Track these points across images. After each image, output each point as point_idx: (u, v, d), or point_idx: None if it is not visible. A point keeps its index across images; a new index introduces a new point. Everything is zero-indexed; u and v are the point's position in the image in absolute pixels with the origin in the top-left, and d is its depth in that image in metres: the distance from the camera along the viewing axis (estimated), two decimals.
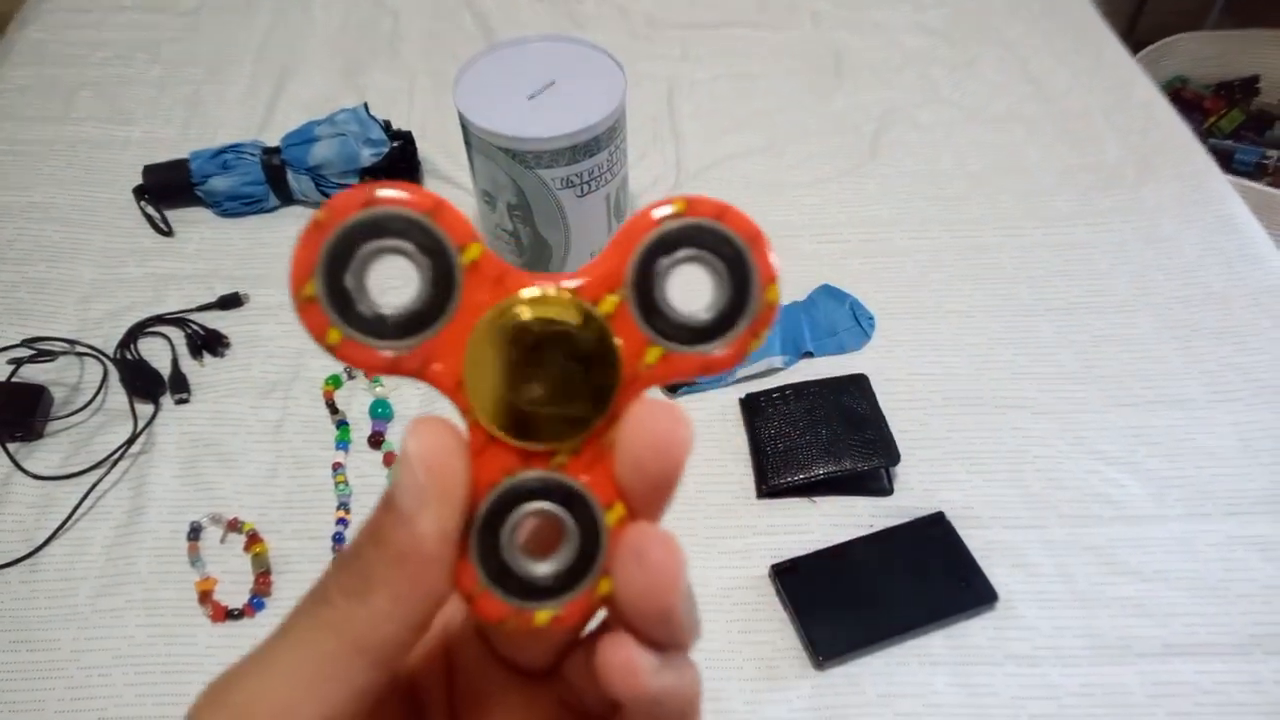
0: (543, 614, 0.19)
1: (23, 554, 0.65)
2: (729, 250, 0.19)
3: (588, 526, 0.19)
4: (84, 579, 0.64)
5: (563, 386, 0.19)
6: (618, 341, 0.19)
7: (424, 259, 0.18)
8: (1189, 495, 0.68)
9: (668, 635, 0.19)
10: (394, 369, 0.19)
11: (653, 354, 0.19)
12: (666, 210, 0.19)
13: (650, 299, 0.19)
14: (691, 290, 0.20)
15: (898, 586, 0.62)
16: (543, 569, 0.19)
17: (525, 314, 0.19)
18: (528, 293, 0.19)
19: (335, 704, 0.18)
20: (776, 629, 0.62)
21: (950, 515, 0.66)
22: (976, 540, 0.65)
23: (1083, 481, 0.69)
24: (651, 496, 0.19)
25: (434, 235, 0.18)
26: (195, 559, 0.64)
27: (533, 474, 0.19)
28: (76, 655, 0.60)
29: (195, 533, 0.65)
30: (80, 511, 0.67)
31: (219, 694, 0.18)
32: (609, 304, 0.19)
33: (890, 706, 0.58)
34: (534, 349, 0.19)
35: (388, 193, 0.18)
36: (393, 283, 0.23)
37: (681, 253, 0.19)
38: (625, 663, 0.18)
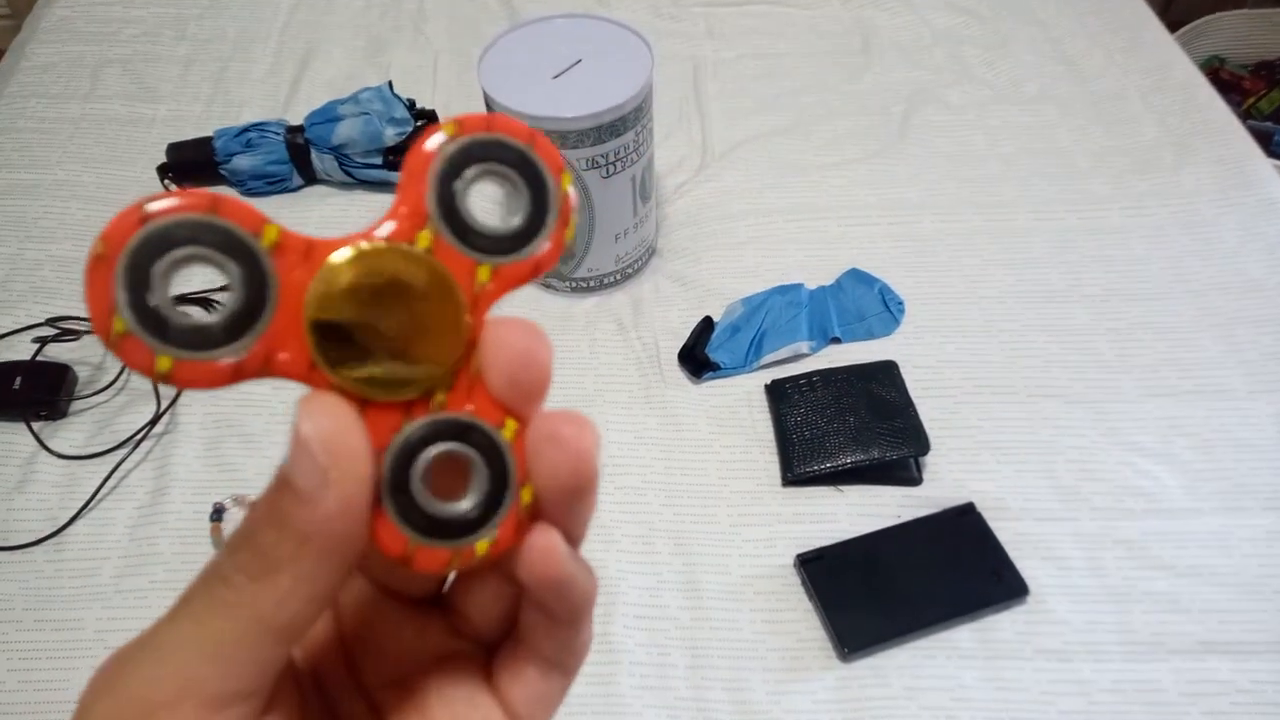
0: (481, 544, 0.19)
1: (47, 533, 0.65)
2: (512, 155, 0.19)
3: (489, 450, 0.19)
4: (107, 559, 0.64)
5: (417, 330, 0.19)
6: (448, 271, 0.19)
7: (222, 256, 0.18)
8: (1226, 488, 0.66)
9: (581, 520, 0.20)
10: (238, 375, 0.18)
11: (484, 273, 0.19)
12: (441, 138, 0.19)
13: (460, 223, 0.19)
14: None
15: (926, 578, 0.61)
16: (464, 505, 0.19)
17: (352, 276, 0.18)
18: (343, 254, 0.18)
19: (240, 680, 0.18)
20: (801, 619, 0.61)
21: (981, 506, 0.65)
22: (1007, 532, 0.63)
23: (1116, 473, 0.67)
24: (530, 404, 0.20)
25: (224, 229, 0.18)
26: (218, 540, 0.64)
27: (419, 422, 0.19)
28: (100, 635, 0.60)
29: (218, 514, 0.65)
30: (104, 491, 0.67)
31: (112, 680, 0.18)
32: (424, 240, 0.19)
33: (916, 700, 0.57)
34: (375, 306, 0.19)
35: (158, 204, 0.18)
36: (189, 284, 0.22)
37: (471, 170, 0.19)
38: (546, 546, 0.19)
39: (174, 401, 0.72)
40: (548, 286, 0.81)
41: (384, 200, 0.88)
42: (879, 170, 0.90)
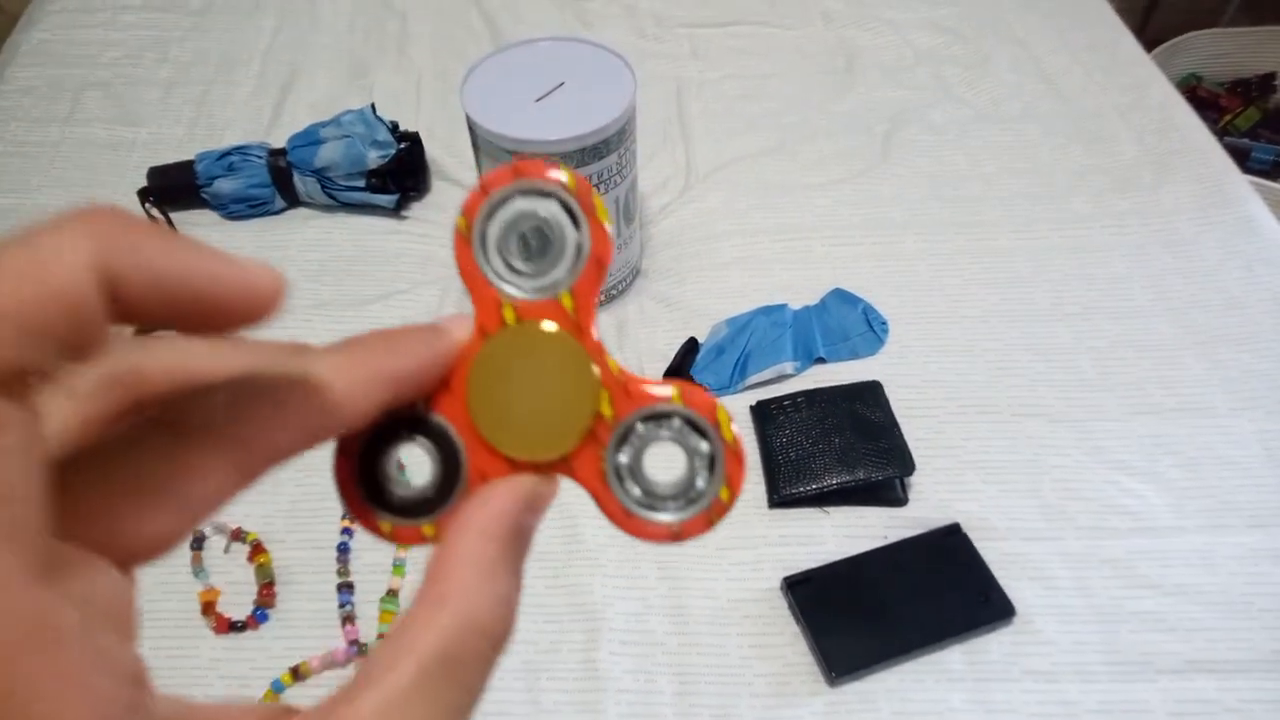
0: (428, 528, 0.20)
1: None
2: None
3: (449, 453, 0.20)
4: None
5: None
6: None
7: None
8: (1210, 506, 0.67)
9: None
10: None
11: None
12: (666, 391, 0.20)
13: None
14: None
15: (913, 600, 0.61)
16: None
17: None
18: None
19: None
20: (788, 643, 0.60)
21: (966, 526, 0.65)
22: (993, 552, 0.63)
23: (1101, 492, 0.68)
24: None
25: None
26: (198, 569, 0.63)
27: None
28: None
29: (198, 542, 0.65)
30: None
31: None
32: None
33: None
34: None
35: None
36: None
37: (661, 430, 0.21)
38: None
39: None
40: None
41: (368, 222, 0.88)
42: (862, 190, 0.90)
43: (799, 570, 0.63)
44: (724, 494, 0.20)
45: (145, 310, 0.14)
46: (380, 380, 0.18)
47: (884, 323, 0.78)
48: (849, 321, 0.78)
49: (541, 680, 0.59)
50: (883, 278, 0.82)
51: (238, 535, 0.65)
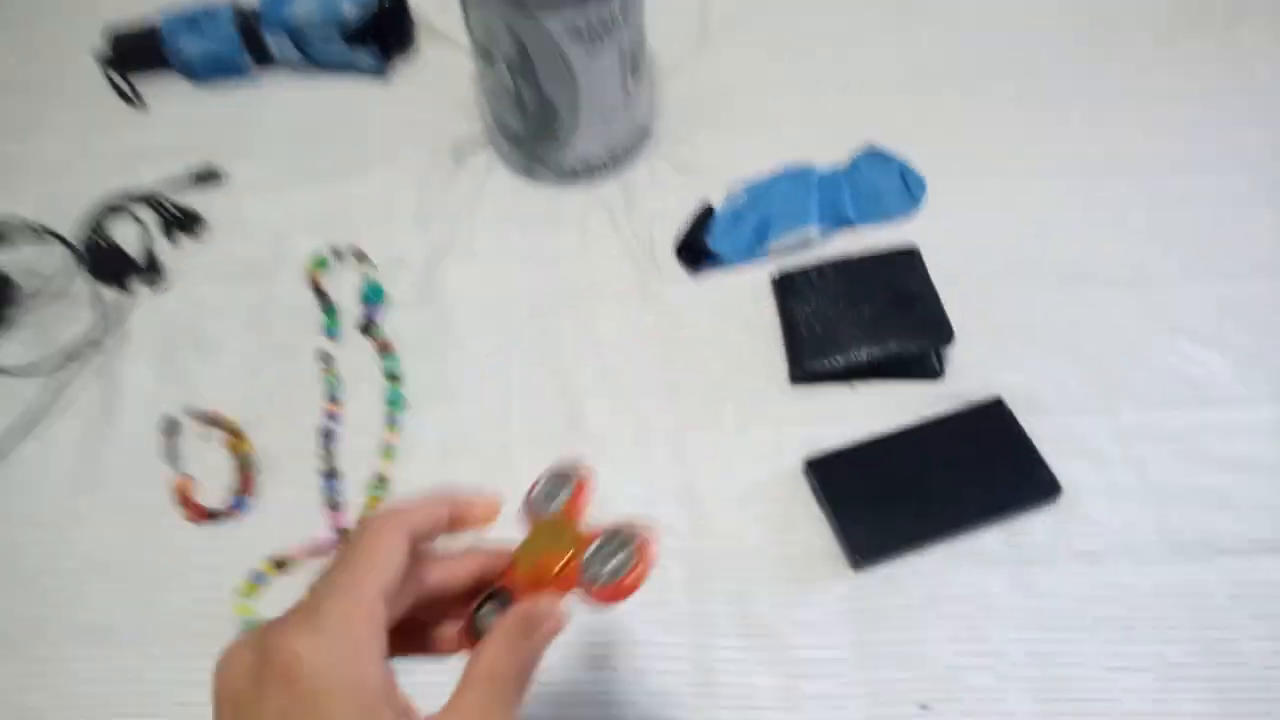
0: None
1: None
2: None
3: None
4: (53, 480, 0.59)
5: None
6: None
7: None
8: None
9: None
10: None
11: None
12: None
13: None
14: None
15: (949, 480, 0.55)
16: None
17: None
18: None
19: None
20: (811, 527, 0.55)
21: (1009, 400, 0.58)
22: (1039, 427, 0.57)
23: (1160, 360, 0.61)
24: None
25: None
26: (172, 456, 0.59)
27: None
28: (46, 561, 0.56)
29: (172, 428, 0.60)
30: (48, 408, 0.61)
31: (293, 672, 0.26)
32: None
33: (937, 609, 0.52)
34: None
35: None
36: None
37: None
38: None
39: (122, 310, 0.66)
40: (532, 177, 0.74)
41: (349, 85, 0.80)
42: (895, 37, 0.81)
43: (823, 450, 0.57)
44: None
45: (426, 540, 0.32)
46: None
47: (921, 182, 0.70)
48: (883, 183, 0.71)
49: None
50: (920, 131, 0.74)
51: (214, 420, 0.60)
